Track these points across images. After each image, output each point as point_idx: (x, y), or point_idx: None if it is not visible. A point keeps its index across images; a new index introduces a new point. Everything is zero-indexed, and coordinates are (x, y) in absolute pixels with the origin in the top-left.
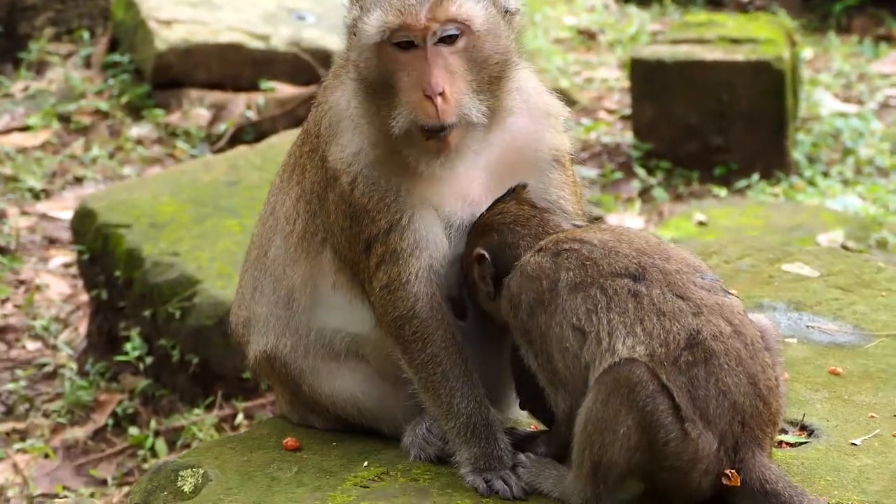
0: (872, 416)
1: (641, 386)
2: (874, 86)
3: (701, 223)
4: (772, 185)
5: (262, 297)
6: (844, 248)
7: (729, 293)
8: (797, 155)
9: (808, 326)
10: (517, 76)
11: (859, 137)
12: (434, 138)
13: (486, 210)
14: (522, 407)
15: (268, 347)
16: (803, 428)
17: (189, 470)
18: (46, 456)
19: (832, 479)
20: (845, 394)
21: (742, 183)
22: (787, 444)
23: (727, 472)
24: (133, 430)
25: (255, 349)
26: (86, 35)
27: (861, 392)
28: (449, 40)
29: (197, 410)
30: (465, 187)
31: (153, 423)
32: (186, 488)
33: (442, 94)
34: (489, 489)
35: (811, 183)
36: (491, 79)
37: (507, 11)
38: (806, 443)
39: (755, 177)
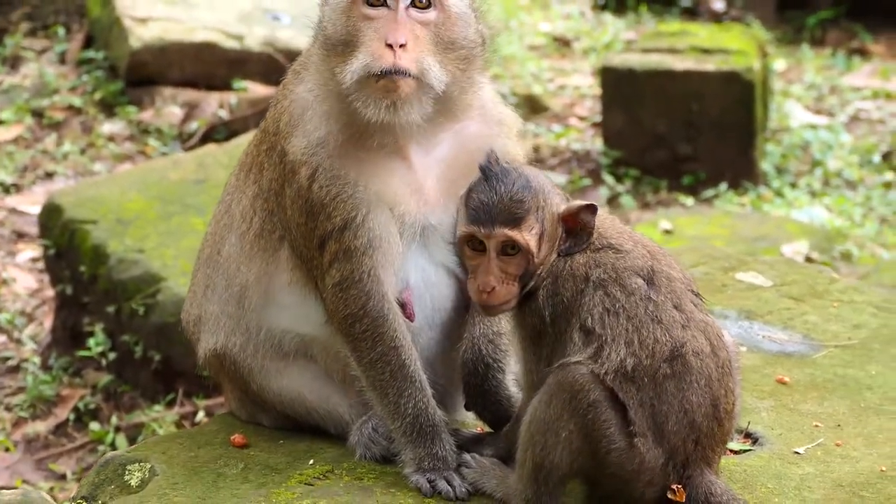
0: (816, 426)
1: (583, 393)
2: (845, 99)
3: (667, 231)
4: (739, 195)
5: (214, 295)
6: (808, 259)
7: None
8: (766, 166)
9: (759, 335)
10: (478, 82)
11: (828, 149)
12: (385, 78)
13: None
14: (468, 408)
15: (217, 345)
16: (748, 436)
17: (136, 464)
18: (7, 449)
19: (773, 487)
20: (791, 403)
21: (710, 192)
22: (731, 451)
23: (673, 486)
24: (94, 426)
25: (206, 347)
26: (61, 31)
27: (807, 401)
28: (420, 4)
29: (157, 407)
30: (420, 182)
31: (114, 419)
32: (133, 482)
33: (403, 46)
34: (432, 489)
35: (779, 194)
36: (454, 63)
37: (481, 23)
38: (750, 450)
39: (723, 186)
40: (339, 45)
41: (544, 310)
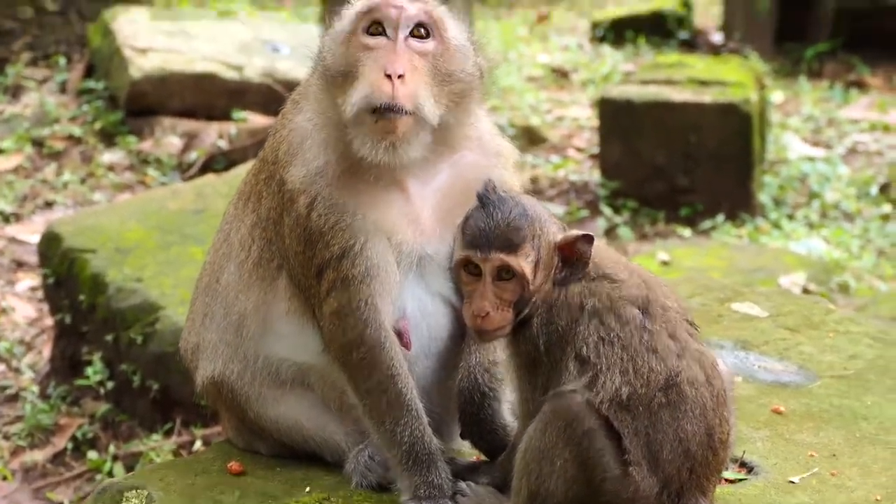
0: (812, 455)
1: (578, 422)
2: (843, 131)
3: (664, 263)
4: (737, 226)
5: (213, 323)
6: (806, 291)
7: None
8: (763, 197)
9: (754, 365)
10: (476, 114)
11: (826, 182)
12: (383, 118)
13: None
14: (464, 437)
15: (215, 373)
16: (743, 465)
17: (134, 491)
18: (4, 478)
19: None
20: (787, 432)
21: (707, 224)
22: (726, 480)
23: None
24: (92, 455)
25: (203, 375)
26: (62, 61)
27: (802, 431)
28: (419, 34)
29: (156, 436)
30: (417, 213)
31: (112, 448)
32: None
33: (402, 77)
34: None
35: (776, 225)
36: (451, 95)
37: (480, 56)
38: (745, 479)
39: (720, 218)
40: (338, 76)
41: (538, 338)
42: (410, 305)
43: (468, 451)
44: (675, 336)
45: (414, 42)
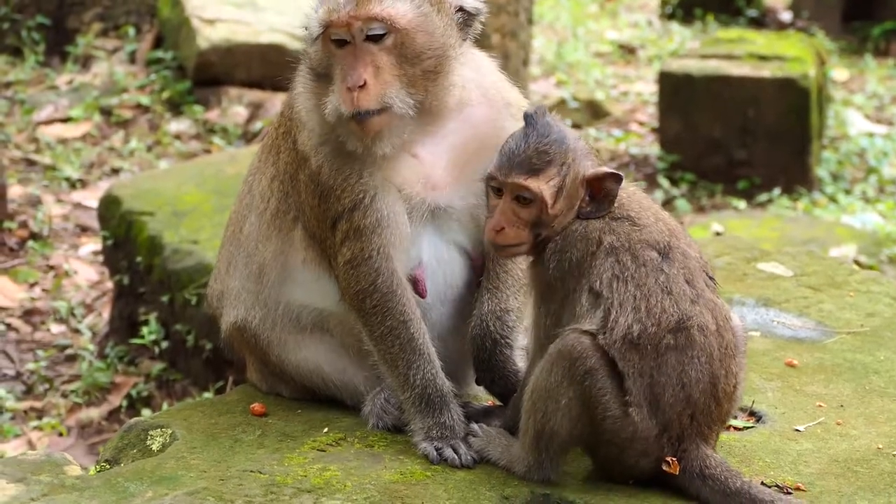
0: (820, 406)
1: (581, 360)
2: None
3: (717, 233)
4: (793, 200)
5: (236, 271)
6: (856, 262)
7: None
8: (821, 172)
9: (773, 321)
10: (462, 72)
11: (884, 157)
12: (355, 122)
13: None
14: (478, 382)
15: (238, 319)
16: (752, 414)
17: (158, 430)
18: (60, 434)
19: (770, 461)
20: (797, 384)
21: (763, 197)
22: (734, 428)
23: (668, 458)
24: (146, 412)
25: (228, 321)
26: (131, 31)
27: (813, 383)
28: (376, 38)
29: (207, 394)
30: (428, 171)
31: (165, 406)
32: (154, 446)
33: (363, 86)
34: (439, 456)
35: (833, 199)
36: (425, 73)
37: (460, 9)
38: (752, 427)
39: (777, 191)
40: (320, 77)
41: (549, 262)
42: (427, 254)
43: (484, 397)
44: (692, 283)
45: (371, 45)
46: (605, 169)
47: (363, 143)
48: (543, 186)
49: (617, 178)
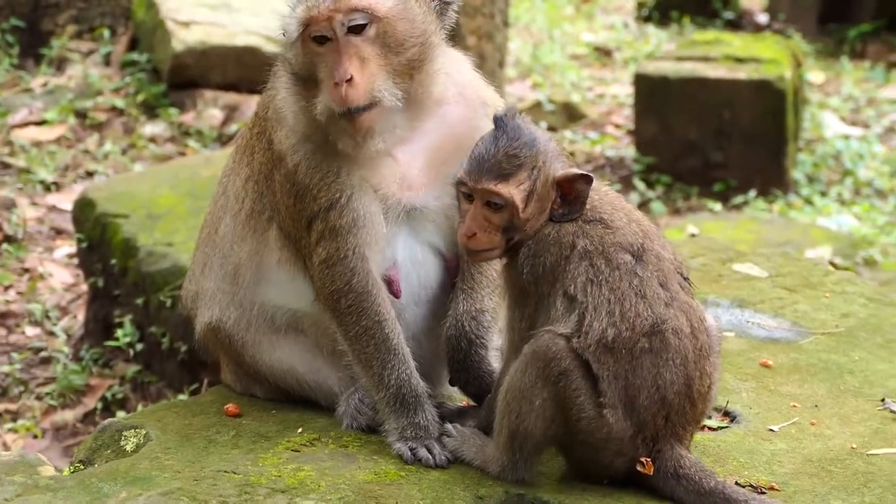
0: (794, 406)
1: (556, 361)
2: (882, 111)
3: (692, 235)
4: (769, 202)
5: (211, 272)
6: (832, 264)
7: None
8: (797, 174)
9: (748, 322)
10: (444, 62)
11: (859, 159)
12: (346, 119)
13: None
14: (452, 383)
15: (213, 320)
16: (726, 414)
17: (132, 430)
18: (35, 436)
19: (744, 461)
20: (772, 384)
21: (739, 199)
22: (709, 428)
23: (642, 459)
24: (121, 414)
25: (202, 321)
26: (106, 33)
27: (788, 383)
28: (358, 30)
29: (182, 397)
30: (404, 171)
31: (140, 408)
32: (129, 447)
33: (350, 80)
34: (413, 456)
35: (808, 202)
36: (410, 62)
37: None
38: (726, 427)
39: (752, 193)
40: (303, 80)
41: (523, 267)
42: (401, 255)
43: (458, 397)
44: (666, 286)
45: (354, 38)
46: (576, 170)
47: (355, 141)
48: (514, 191)
49: (587, 180)
